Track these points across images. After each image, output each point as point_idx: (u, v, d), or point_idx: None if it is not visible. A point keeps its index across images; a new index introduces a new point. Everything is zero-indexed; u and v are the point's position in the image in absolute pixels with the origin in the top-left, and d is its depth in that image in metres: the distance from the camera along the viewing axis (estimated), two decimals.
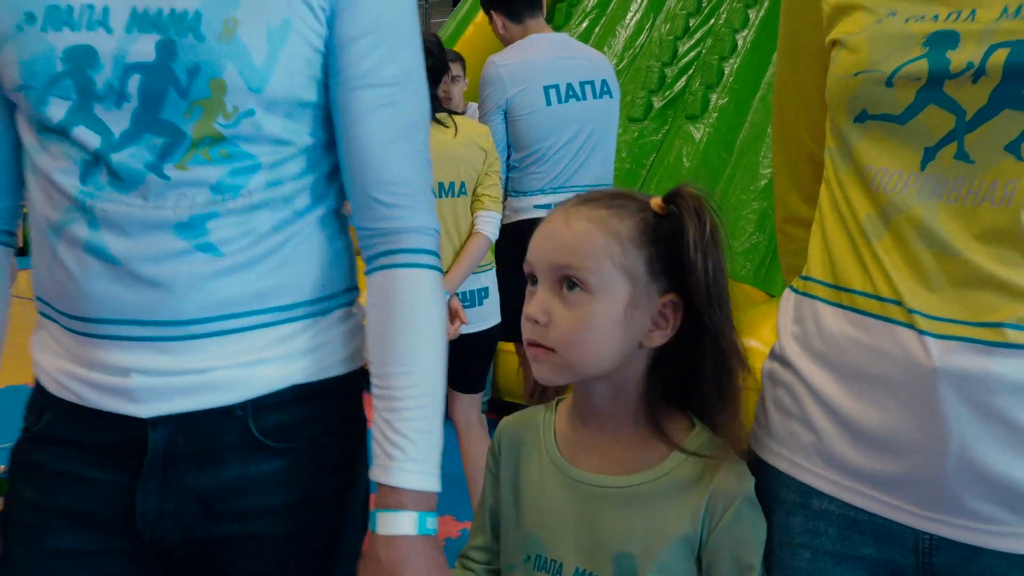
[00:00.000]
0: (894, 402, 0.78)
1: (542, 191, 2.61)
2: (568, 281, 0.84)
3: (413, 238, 0.91)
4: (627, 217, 0.86)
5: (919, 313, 0.76)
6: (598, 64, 2.70)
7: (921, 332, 0.76)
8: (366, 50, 0.87)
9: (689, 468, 0.86)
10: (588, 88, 2.60)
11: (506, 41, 2.71)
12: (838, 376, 0.82)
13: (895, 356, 0.78)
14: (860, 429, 0.80)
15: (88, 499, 0.88)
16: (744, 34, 5.36)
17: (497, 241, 2.44)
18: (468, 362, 2.42)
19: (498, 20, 2.69)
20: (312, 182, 0.91)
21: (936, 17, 0.76)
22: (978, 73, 0.73)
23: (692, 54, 5.45)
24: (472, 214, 2.37)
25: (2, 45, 0.84)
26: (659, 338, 0.86)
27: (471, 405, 2.61)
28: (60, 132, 0.83)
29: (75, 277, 0.84)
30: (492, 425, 4.11)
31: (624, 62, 5.68)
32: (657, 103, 5.27)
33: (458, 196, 2.33)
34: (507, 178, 2.61)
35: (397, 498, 0.86)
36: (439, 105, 2.33)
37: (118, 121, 0.82)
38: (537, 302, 0.85)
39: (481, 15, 5.94)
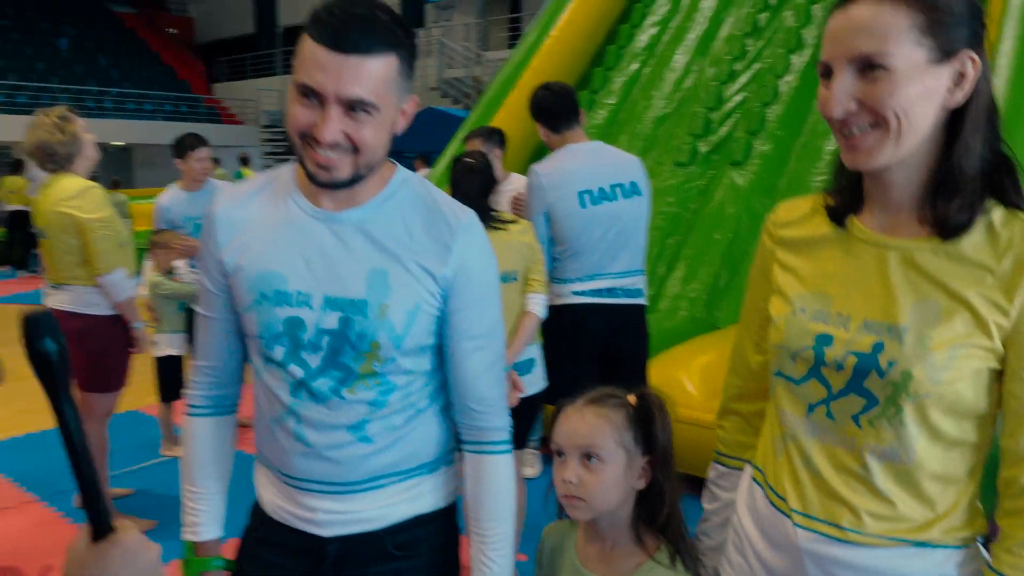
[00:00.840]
0: (785, 560, 1.19)
1: (580, 279, 2.99)
2: (588, 455, 1.32)
3: (494, 433, 1.38)
4: (619, 409, 1.35)
5: (795, 511, 1.17)
6: (628, 167, 3.05)
7: (795, 524, 1.17)
8: (465, 316, 1.33)
9: (654, 574, 1.33)
10: (618, 190, 2.96)
11: (549, 144, 3.11)
12: (762, 536, 1.24)
13: (782, 534, 1.19)
14: (773, 573, 1.22)
15: None
16: (787, 79, 5.57)
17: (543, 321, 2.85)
18: (515, 423, 2.83)
19: (541, 130, 3.08)
20: (429, 391, 1.38)
21: (827, 318, 1.14)
22: (839, 367, 1.11)
23: (736, 99, 5.69)
24: (523, 296, 2.79)
25: (247, 311, 1.33)
26: (642, 484, 1.36)
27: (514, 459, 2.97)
28: (279, 365, 1.31)
29: (287, 451, 1.34)
30: (547, 460, 4.53)
31: (672, 106, 5.96)
32: (703, 148, 5.54)
33: (509, 282, 2.77)
34: (551, 268, 3.00)
35: None
36: (494, 217, 2.76)
37: (314, 361, 1.29)
38: (570, 470, 1.33)
39: (536, 61, 6.33)
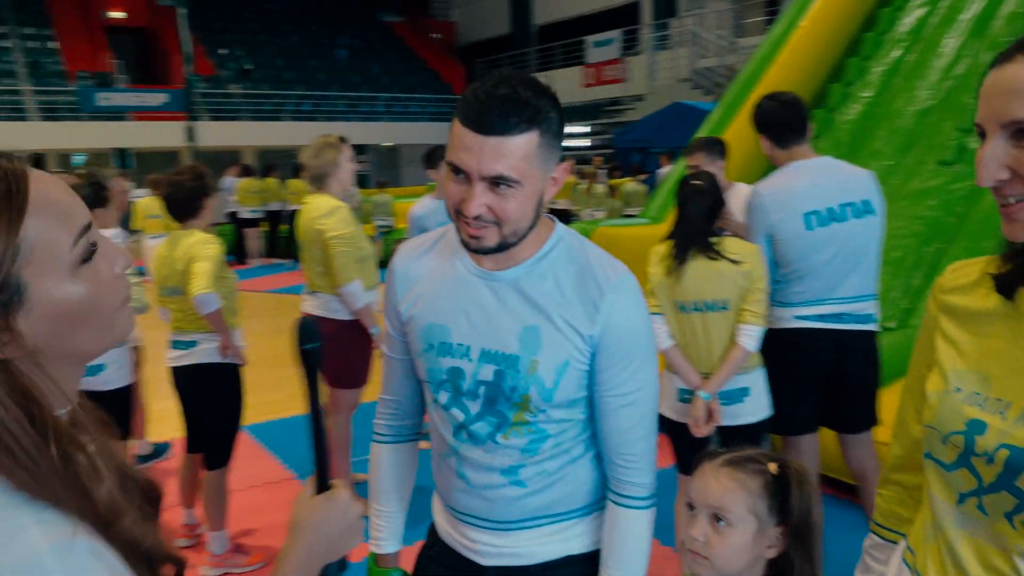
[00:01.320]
0: None
1: (804, 303, 2.80)
2: (717, 517, 1.32)
3: (634, 488, 1.41)
4: (756, 476, 1.33)
5: None
6: (861, 184, 2.79)
7: None
8: (612, 374, 1.36)
9: None
10: (849, 209, 2.72)
11: (773, 160, 2.92)
12: None
13: None
14: None
15: None
16: None
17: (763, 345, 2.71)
18: None
19: (765, 143, 2.90)
20: (583, 439, 1.42)
21: (984, 403, 1.00)
22: (989, 460, 0.99)
23: None
24: (735, 326, 2.67)
25: (417, 357, 1.46)
26: (772, 553, 1.34)
27: None
28: (444, 408, 1.43)
29: (451, 487, 1.47)
30: None
31: (938, 97, 5.36)
32: (972, 145, 4.94)
33: (711, 311, 2.69)
34: (772, 290, 2.82)
35: None
36: (711, 245, 2.67)
37: (474, 407, 1.40)
38: (698, 528, 1.34)
39: (783, 55, 6.00)
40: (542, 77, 1.29)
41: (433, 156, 4.65)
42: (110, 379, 3.25)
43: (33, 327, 0.75)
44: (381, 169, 21.58)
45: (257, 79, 21.99)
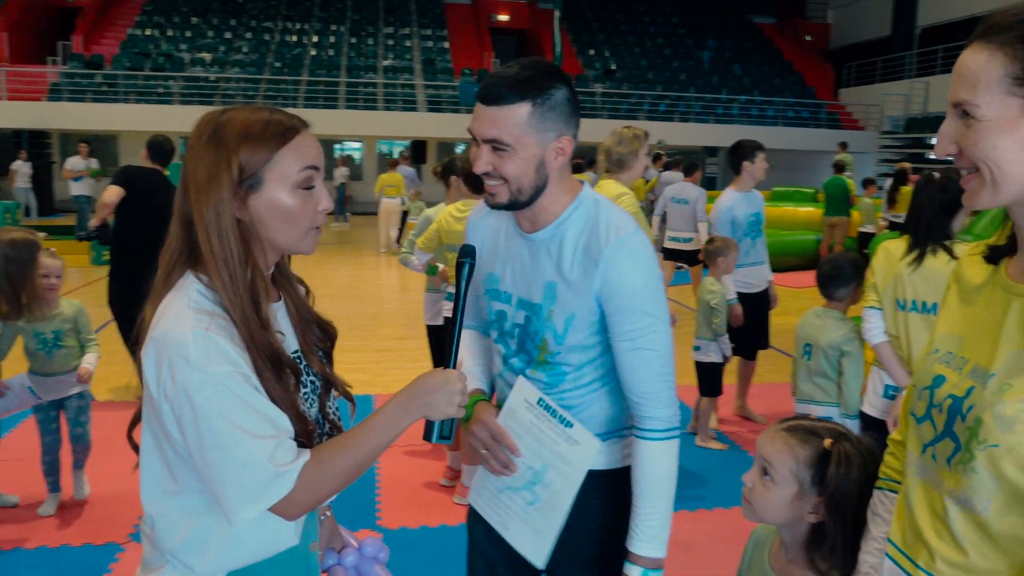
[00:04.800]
0: None
1: None
2: (765, 471, 1.49)
3: (647, 422, 1.59)
4: (807, 446, 1.46)
5: (890, 541, 1.26)
6: None
7: (886, 554, 1.26)
8: (617, 320, 1.56)
9: None
10: None
11: None
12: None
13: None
14: None
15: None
16: None
17: None
18: None
19: None
20: (597, 376, 1.64)
21: (951, 361, 1.15)
22: (940, 410, 1.14)
23: None
24: None
25: (479, 298, 1.77)
26: (813, 518, 1.47)
27: None
28: (495, 342, 1.74)
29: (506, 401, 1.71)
30: None
31: None
32: None
33: (926, 313, 2.64)
34: None
35: (635, 559, 1.59)
36: (943, 244, 2.63)
37: (512, 344, 1.70)
38: (750, 475, 1.52)
39: None
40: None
41: (739, 151, 4.92)
42: None
43: (258, 208, 1.25)
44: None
45: (620, 79, 22.90)
